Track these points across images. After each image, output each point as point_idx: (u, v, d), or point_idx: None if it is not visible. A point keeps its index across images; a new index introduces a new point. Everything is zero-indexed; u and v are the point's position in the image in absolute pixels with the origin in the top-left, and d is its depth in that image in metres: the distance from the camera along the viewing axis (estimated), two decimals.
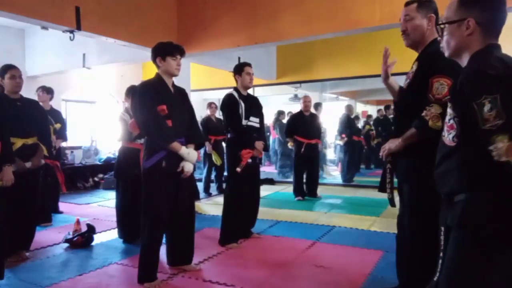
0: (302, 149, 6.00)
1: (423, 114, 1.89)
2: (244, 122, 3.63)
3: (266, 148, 3.80)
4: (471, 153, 1.27)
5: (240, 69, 3.72)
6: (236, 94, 3.68)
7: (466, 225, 1.27)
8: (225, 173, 5.93)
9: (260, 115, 3.83)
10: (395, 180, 2.18)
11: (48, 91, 4.95)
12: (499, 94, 1.15)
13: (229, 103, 3.65)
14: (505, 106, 1.15)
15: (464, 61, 1.38)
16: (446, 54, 1.43)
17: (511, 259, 1.25)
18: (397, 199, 2.20)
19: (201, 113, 6.69)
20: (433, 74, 1.91)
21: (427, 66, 1.96)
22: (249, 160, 3.62)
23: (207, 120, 6.39)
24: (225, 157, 4.36)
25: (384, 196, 2.20)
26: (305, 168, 6.13)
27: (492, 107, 1.15)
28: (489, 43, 1.34)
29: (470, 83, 1.23)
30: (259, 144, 3.68)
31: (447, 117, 1.36)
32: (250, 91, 4.22)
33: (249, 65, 3.75)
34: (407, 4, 2.09)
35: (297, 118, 6.23)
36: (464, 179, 1.29)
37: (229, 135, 3.75)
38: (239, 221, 3.71)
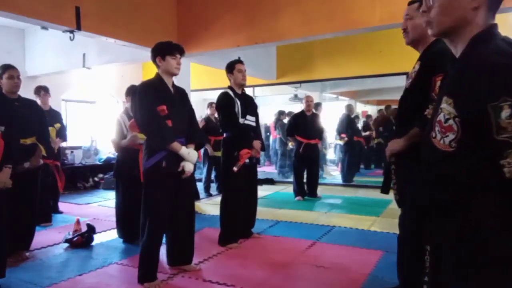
0: (301, 149, 6.01)
1: (426, 113, 1.88)
2: (241, 120, 3.60)
3: (263, 147, 3.77)
4: (472, 162, 1.02)
5: (231, 67, 3.68)
6: (231, 93, 3.65)
7: (470, 236, 1.05)
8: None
9: (255, 114, 3.79)
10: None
11: (47, 90, 4.98)
12: None
13: (225, 102, 3.62)
14: None
15: (457, 47, 1.13)
16: (431, 33, 1.15)
17: None
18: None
19: (201, 113, 6.68)
20: (436, 72, 1.91)
21: (431, 65, 1.95)
22: (247, 160, 3.58)
23: (207, 120, 6.36)
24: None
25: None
26: (305, 168, 6.13)
27: None
28: (491, 23, 1.09)
29: (486, 78, 0.96)
30: (257, 144, 3.64)
31: (443, 116, 1.07)
32: (250, 91, 4.20)
33: (240, 62, 3.70)
34: (409, 4, 2.11)
35: (298, 118, 6.22)
36: (461, 190, 1.06)
37: (225, 135, 3.72)
38: (238, 221, 3.69)
